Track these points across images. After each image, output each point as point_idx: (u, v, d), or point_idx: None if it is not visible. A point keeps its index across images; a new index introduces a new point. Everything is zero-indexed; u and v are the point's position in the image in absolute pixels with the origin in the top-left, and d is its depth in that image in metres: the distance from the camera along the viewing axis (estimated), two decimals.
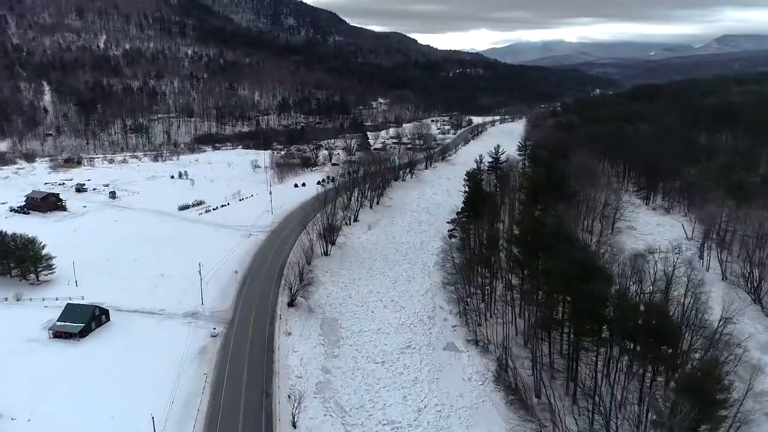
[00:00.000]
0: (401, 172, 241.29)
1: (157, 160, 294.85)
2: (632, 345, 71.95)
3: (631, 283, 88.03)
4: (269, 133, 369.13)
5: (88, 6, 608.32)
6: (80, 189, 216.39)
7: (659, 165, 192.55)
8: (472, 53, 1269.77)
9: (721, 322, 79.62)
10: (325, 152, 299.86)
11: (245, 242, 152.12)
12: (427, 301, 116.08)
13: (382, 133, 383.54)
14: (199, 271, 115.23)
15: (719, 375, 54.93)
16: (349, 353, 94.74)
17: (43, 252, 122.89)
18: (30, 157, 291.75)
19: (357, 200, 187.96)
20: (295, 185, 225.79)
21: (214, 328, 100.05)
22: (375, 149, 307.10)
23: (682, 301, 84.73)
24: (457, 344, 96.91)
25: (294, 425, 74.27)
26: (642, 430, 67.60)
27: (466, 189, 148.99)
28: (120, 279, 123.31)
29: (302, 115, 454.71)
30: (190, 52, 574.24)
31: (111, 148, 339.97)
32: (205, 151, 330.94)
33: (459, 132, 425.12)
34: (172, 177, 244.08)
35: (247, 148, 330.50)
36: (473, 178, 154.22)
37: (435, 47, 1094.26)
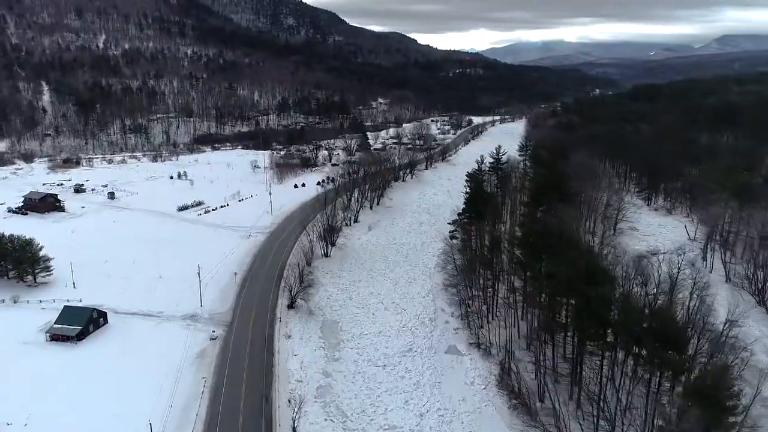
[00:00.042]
0: (401, 173, 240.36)
1: (156, 161, 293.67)
2: (637, 349, 70.80)
3: (634, 285, 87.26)
4: (269, 134, 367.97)
5: (87, 6, 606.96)
6: (79, 189, 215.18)
7: (660, 165, 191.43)
8: (471, 53, 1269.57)
9: (727, 325, 78.60)
10: (325, 152, 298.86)
11: (245, 243, 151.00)
12: (429, 304, 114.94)
13: (382, 133, 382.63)
14: (198, 273, 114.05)
15: (729, 381, 53.75)
16: (349, 356, 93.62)
17: (41, 253, 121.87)
18: (28, 158, 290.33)
19: (357, 201, 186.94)
20: (295, 186, 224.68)
21: (213, 331, 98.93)
22: (375, 149, 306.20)
23: (687, 303, 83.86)
24: (459, 347, 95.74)
25: (294, 431, 73.14)
26: None
27: (468, 190, 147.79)
28: (118, 280, 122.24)
29: (302, 115, 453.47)
30: (189, 51, 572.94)
31: (110, 149, 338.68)
32: (204, 151, 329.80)
33: (459, 132, 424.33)
34: (171, 177, 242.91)
35: (247, 149, 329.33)
36: (474, 178, 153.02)
37: (435, 47, 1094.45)
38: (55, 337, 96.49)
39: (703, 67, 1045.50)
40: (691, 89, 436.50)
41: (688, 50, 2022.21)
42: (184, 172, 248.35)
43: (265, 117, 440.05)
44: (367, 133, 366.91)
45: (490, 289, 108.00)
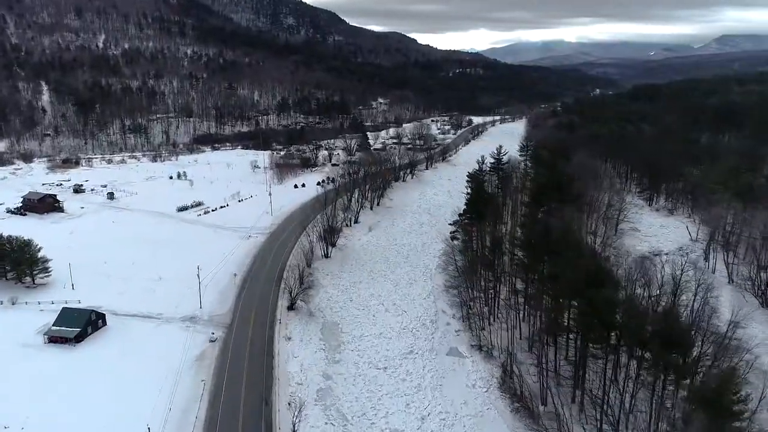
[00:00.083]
0: (402, 173, 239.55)
1: (155, 161, 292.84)
2: (641, 352, 70.02)
3: (638, 287, 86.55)
4: (269, 134, 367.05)
5: (87, 6, 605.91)
6: (78, 190, 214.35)
7: (662, 165, 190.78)
8: (471, 53, 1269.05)
9: (731, 327, 77.77)
10: (325, 152, 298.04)
11: (244, 244, 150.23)
12: (430, 305, 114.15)
13: (382, 133, 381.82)
14: (198, 275, 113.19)
15: (736, 386, 52.98)
16: (350, 359, 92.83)
17: (40, 254, 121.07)
18: (28, 158, 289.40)
19: (357, 201, 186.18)
20: (295, 186, 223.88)
21: (213, 333, 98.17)
22: (375, 149, 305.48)
23: (691, 305, 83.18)
24: (461, 349, 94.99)
25: None
26: None
27: (469, 190, 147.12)
28: (117, 282, 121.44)
29: (302, 115, 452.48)
30: (189, 51, 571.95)
31: (109, 149, 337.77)
32: (204, 151, 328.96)
33: (459, 132, 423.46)
34: (171, 178, 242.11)
35: (247, 149, 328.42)
36: (476, 179, 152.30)
37: (435, 47, 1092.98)
38: (54, 339, 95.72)
39: (702, 67, 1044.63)
40: (692, 89, 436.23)
41: (688, 50, 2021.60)
42: (184, 172, 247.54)
43: (265, 117, 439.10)
44: (367, 133, 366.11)
45: (491, 291, 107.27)
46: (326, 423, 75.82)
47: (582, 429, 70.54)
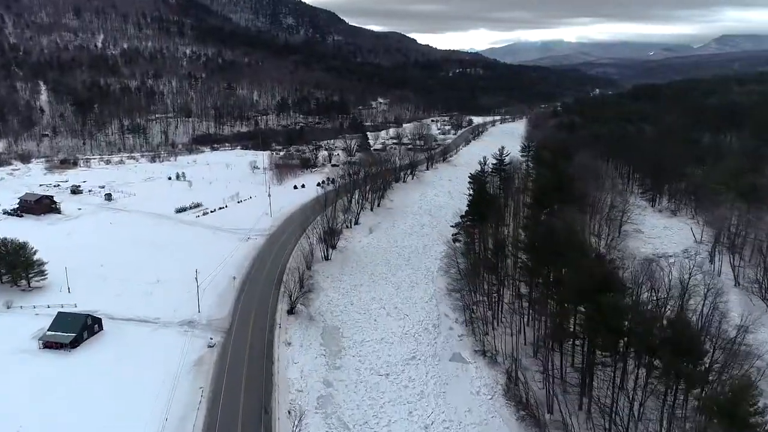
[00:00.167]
0: (402, 174, 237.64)
1: (154, 161, 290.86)
2: (650, 359, 68.22)
3: (644, 291, 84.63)
4: (268, 134, 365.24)
5: (85, 5, 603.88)
6: (75, 191, 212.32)
7: (664, 166, 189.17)
8: (471, 53, 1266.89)
9: (741, 332, 75.95)
10: (325, 153, 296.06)
11: (244, 246, 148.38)
12: (432, 309, 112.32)
13: (382, 133, 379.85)
14: (196, 278, 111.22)
15: (753, 397, 51.19)
16: (351, 365, 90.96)
17: (35, 257, 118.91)
18: (25, 158, 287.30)
19: (357, 202, 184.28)
20: (295, 187, 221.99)
21: (211, 338, 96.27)
22: (375, 150, 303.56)
23: (699, 310, 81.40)
24: (464, 355, 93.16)
25: None
26: None
27: (471, 192, 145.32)
28: (114, 285, 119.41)
29: (301, 115, 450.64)
30: (188, 51, 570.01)
31: (108, 149, 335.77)
32: (203, 151, 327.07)
33: (459, 132, 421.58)
34: (170, 178, 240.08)
35: (246, 149, 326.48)
36: (478, 180, 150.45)
37: (434, 47, 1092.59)
38: (48, 345, 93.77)
39: (702, 67, 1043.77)
40: (692, 89, 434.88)
41: (688, 50, 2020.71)
42: (183, 172, 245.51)
43: (265, 117, 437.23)
44: (367, 133, 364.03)
45: (494, 295, 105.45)
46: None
47: None
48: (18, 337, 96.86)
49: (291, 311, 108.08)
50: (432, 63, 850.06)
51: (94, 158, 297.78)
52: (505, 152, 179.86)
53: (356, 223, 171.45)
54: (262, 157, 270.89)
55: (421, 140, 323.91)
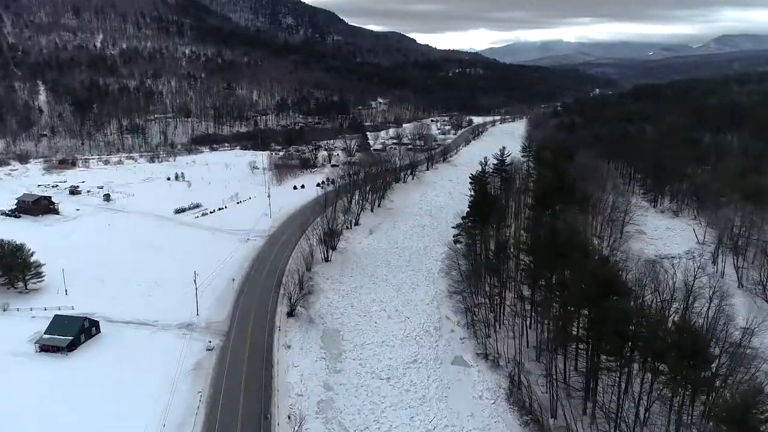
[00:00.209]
0: (402, 174, 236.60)
1: (153, 161, 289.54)
2: (656, 364, 67.04)
3: (648, 293, 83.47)
4: (267, 134, 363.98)
5: (84, 5, 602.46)
6: (74, 191, 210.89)
7: (665, 166, 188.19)
8: (470, 53, 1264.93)
9: (747, 335, 74.77)
10: (325, 153, 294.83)
11: (243, 247, 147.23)
12: (433, 311, 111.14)
13: (382, 133, 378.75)
14: (194, 280, 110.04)
15: (764, 403, 50.02)
16: (352, 368, 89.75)
17: (32, 259, 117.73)
18: (24, 158, 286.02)
19: (358, 203, 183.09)
20: (294, 187, 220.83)
21: (210, 341, 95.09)
22: (375, 150, 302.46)
23: (705, 313, 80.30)
24: (466, 358, 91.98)
25: None
26: None
27: (472, 192, 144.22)
28: (112, 287, 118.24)
29: (301, 115, 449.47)
30: (187, 51, 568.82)
31: (106, 149, 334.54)
32: (202, 152, 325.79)
33: (459, 132, 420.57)
34: (169, 179, 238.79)
35: (245, 149, 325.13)
36: (479, 181, 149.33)
37: (434, 47, 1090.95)
38: (45, 348, 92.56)
39: (702, 67, 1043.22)
40: (693, 89, 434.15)
41: (687, 50, 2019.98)
42: (182, 173, 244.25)
43: (264, 117, 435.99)
44: (367, 133, 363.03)
45: (496, 297, 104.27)
46: None
47: None
48: (14, 340, 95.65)
49: (291, 313, 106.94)
50: (432, 63, 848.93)
51: (93, 158, 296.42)
52: (506, 153, 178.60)
53: (356, 224, 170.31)
54: (262, 158, 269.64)
55: (421, 140, 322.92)
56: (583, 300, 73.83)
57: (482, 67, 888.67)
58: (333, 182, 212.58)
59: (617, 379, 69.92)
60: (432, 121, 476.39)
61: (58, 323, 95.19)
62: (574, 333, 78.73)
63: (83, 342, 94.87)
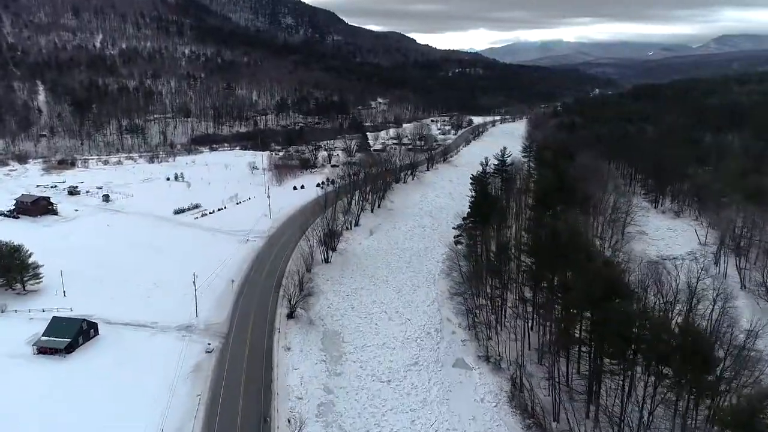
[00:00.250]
0: (402, 174, 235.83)
1: (152, 162, 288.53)
2: (660, 367, 66.29)
3: (650, 295, 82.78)
4: (267, 134, 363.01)
5: (84, 5, 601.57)
6: (73, 192, 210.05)
7: (666, 166, 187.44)
8: (470, 53, 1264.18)
9: (752, 337, 73.99)
10: (324, 153, 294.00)
11: (242, 248, 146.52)
12: (434, 313, 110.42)
13: (382, 133, 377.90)
14: (194, 282, 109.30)
15: None
16: (352, 371, 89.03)
17: (30, 260, 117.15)
18: (23, 159, 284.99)
19: (358, 204, 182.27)
20: (294, 188, 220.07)
21: (209, 344, 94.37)
22: (375, 150, 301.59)
23: (709, 315, 79.56)
24: (467, 360, 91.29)
25: None
26: None
27: (473, 193, 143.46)
28: (111, 288, 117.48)
29: (300, 116, 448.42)
30: (187, 51, 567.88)
31: (106, 149, 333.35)
32: (201, 152, 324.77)
33: (460, 132, 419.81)
34: (168, 179, 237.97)
35: (245, 149, 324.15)
36: (480, 181, 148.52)
37: (434, 47, 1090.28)
38: (43, 350, 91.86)
39: (702, 67, 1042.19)
40: (693, 89, 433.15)
41: (687, 50, 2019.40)
42: (181, 173, 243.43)
43: (264, 117, 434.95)
44: (367, 133, 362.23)
45: (498, 298, 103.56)
46: None
47: None
48: (12, 342, 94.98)
49: (290, 315, 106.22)
50: (431, 63, 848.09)
51: (92, 159, 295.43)
52: (506, 153, 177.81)
53: (356, 224, 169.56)
54: (261, 158, 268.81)
55: (421, 140, 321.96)
56: (585, 302, 73.05)
57: (482, 67, 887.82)
58: (333, 183, 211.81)
59: (620, 382, 69.19)
60: (432, 121, 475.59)
61: (56, 325, 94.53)
62: (577, 335, 78.02)
63: (81, 344, 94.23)
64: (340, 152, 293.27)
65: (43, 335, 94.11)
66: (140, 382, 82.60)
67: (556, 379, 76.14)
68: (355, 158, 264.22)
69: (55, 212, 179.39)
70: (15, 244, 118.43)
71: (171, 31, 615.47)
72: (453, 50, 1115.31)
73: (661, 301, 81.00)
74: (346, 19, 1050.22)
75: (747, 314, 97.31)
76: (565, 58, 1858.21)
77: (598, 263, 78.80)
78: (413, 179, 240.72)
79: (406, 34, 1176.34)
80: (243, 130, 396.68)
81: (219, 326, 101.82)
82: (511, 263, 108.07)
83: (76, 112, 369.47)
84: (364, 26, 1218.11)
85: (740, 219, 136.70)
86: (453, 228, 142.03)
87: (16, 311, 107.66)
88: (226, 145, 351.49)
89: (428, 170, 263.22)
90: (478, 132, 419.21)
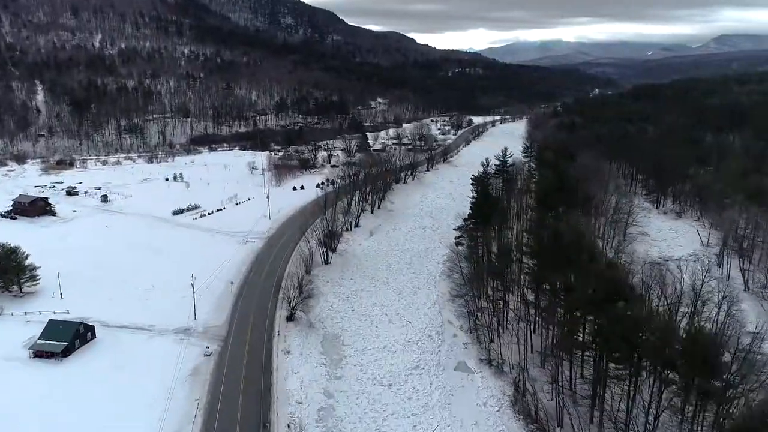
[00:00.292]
0: (402, 175, 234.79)
1: (151, 162, 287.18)
2: (666, 372, 65.20)
3: (654, 297, 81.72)
4: (267, 134, 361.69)
5: (83, 5, 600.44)
6: (71, 192, 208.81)
7: (667, 167, 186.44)
8: (470, 53, 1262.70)
9: (758, 340, 72.80)
10: (324, 153, 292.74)
11: (241, 250, 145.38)
12: (435, 315, 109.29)
13: (382, 133, 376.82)
14: (192, 283, 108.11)
15: None
16: (353, 374, 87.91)
17: (27, 262, 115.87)
18: (21, 159, 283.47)
19: (358, 204, 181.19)
20: (294, 188, 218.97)
21: (208, 347, 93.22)
22: (375, 150, 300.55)
23: (713, 318, 78.59)
24: (469, 364, 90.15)
25: None
26: None
27: (474, 194, 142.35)
28: (108, 290, 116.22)
29: (300, 116, 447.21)
30: (186, 51, 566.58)
31: (105, 149, 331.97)
32: (201, 152, 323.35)
33: (460, 132, 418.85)
34: (167, 179, 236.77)
35: (244, 149, 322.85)
36: (480, 182, 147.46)
37: (433, 47, 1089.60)
38: (39, 354, 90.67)
39: (701, 66, 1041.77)
40: (693, 89, 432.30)
41: (686, 50, 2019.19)
42: (180, 173, 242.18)
43: (263, 117, 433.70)
44: (367, 133, 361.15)
45: (500, 301, 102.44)
46: None
47: None
48: (8, 345, 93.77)
49: (290, 318, 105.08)
50: (431, 63, 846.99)
51: (91, 159, 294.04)
52: (508, 154, 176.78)
53: (356, 225, 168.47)
54: (261, 158, 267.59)
55: (421, 140, 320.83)
56: (589, 305, 71.98)
57: (482, 67, 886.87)
58: (333, 183, 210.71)
59: (627, 387, 68.11)
60: (432, 121, 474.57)
61: (53, 328, 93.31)
62: (580, 339, 76.97)
63: (78, 347, 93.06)
64: (339, 152, 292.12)
65: (39, 338, 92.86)
66: (137, 387, 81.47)
67: (560, 383, 75.10)
68: (355, 158, 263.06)
69: (53, 213, 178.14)
70: (12, 245, 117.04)
71: (170, 30, 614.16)
72: (452, 50, 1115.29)
73: (665, 304, 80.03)
74: (345, 19, 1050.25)
75: (752, 316, 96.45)
76: (565, 58, 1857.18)
77: (602, 265, 77.68)
78: (413, 180, 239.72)
79: (406, 34, 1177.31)
80: (242, 130, 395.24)
81: (217, 329, 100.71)
82: (513, 265, 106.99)
83: (74, 112, 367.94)
84: (363, 26, 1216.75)
85: (743, 220, 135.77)
86: (454, 229, 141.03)
87: (12, 314, 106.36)
88: (225, 145, 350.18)
89: (428, 170, 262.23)
90: (478, 132, 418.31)
